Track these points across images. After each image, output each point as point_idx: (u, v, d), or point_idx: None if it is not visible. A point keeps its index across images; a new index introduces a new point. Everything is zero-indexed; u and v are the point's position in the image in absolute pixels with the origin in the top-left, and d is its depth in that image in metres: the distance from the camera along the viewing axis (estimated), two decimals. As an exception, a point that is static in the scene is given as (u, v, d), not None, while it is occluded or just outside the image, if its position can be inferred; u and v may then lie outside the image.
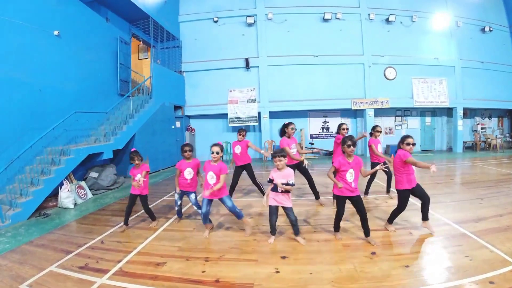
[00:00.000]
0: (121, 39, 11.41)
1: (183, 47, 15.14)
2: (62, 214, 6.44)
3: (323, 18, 14.76)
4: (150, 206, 5.46)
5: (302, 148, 6.59)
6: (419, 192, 4.41)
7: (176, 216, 5.64)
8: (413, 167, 4.34)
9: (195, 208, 5.33)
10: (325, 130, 15.87)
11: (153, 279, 3.42)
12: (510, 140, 17.31)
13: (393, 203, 6.12)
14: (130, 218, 5.39)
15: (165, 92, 12.63)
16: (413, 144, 4.35)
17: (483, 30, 16.17)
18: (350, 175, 4.12)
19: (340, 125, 6.44)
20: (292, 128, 6.06)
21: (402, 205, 4.46)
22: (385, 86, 15.19)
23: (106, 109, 9.86)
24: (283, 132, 6.17)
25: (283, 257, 3.88)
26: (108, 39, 10.84)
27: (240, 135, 6.64)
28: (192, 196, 5.24)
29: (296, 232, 4.37)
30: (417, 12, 15.25)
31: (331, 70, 14.90)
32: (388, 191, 6.71)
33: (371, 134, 6.57)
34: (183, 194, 5.26)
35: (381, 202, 6.40)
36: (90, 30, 9.79)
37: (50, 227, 5.48)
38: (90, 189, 8.03)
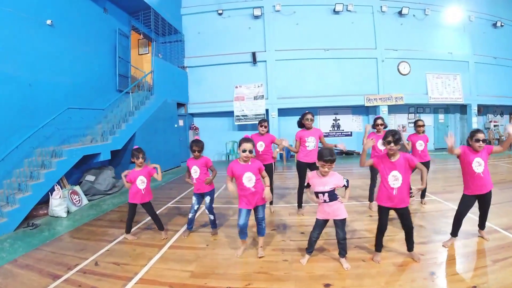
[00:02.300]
0: (120, 32, 10.62)
1: (186, 41, 14.31)
2: (53, 224, 5.66)
3: (334, 10, 13.94)
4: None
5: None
6: (483, 201, 3.76)
7: (185, 227, 4.81)
8: (474, 167, 3.59)
9: (207, 212, 4.59)
10: (336, 128, 15.08)
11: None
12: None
13: (429, 208, 5.58)
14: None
15: (167, 88, 11.84)
16: (483, 141, 3.54)
17: (494, 25, 15.71)
18: (393, 179, 3.29)
19: (375, 120, 5.60)
20: (308, 119, 5.25)
21: (459, 210, 3.81)
22: (399, 81, 14.45)
23: (104, 106, 9.04)
24: (301, 124, 5.40)
25: (327, 285, 3.09)
26: (106, 31, 10.04)
27: (262, 126, 5.49)
28: (207, 198, 4.52)
29: (343, 252, 3.46)
30: (430, 5, 14.57)
31: (342, 64, 14.12)
32: (422, 196, 5.96)
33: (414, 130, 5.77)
34: (201, 197, 4.54)
35: (418, 207, 5.73)
36: (87, 20, 9.00)
37: (37, 242, 4.70)
38: (85, 194, 7.25)
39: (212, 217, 4.64)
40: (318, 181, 3.38)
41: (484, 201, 3.76)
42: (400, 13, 14.38)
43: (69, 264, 3.81)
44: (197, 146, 4.41)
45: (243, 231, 3.77)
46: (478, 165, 3.59)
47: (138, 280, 3.33)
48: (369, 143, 3.54)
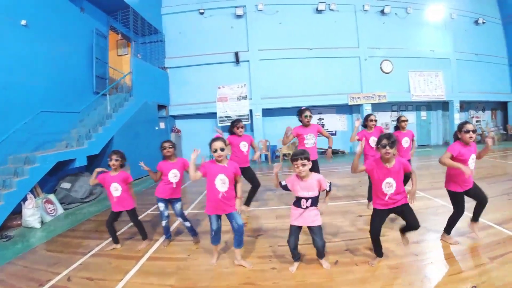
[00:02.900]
0: (97, 32, 10.23)
1: (167, 42, 13.97)
2: (26, 236, 5.32)
3: (317, 9, 13.96)
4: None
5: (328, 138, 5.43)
6: (473, 192, 3.65)
7: (163, 237, 4.53)
8: (470, 164, 3.48)
9: (181, 221, 4.29)
10: (320, 128, 14.93)
11: None
12: (504, 132, 17.09)
13: (418, 205, 5.37)
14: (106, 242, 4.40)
15: (147, 89, 11.47)
16: (474, 131, 3.40)
17: (476, 22, 16.07)
18: (387, 186, 3.11)
19: (367, 117, 5.43)
20: (306, 116, 5.08)
21: (456, 209, 3.70)
22: (382, 80, 14.60)
23: (80, 109, 8.68)
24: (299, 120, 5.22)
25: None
26: (83, 31, 9.63)
27: (239, 128, 5.34)
28: (178, 205, 4.23)
29: (321, 255, 3.37)
30: (412, 3, 14.79)
31: (326, 64, 14.11)
32: None
33: (396, 127, 5.51)
34: (167, 203, 4.24)
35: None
36: (63, 20, 8.64)
37: (11, 255, 4.39)
38: (61, 203, 6.88)
39: (188, 224, 4.34)
40: (302, 185, 3.20)
41: (475, 192, 3.65)
42: (382, 12, 14.54)
43: (41, 279, 3.52)
44: (169, 142, 4.20)
45: (217, 235, 3.57)
46: (472, 161, 3.50)
47: (112, 297, 3.08)
48: (359, 148, 3.28)
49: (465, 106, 16.70)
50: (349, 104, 14.20)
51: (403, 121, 5.42)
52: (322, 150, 13.79)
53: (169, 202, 4.26)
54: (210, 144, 3.42)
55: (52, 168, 6.76)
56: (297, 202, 3.26)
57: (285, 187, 3.31)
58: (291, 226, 3.31)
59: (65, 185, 7.32)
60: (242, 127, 5.38)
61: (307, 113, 5.12)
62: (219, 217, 3.53)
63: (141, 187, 8.93)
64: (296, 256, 3.41)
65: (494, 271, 3.04)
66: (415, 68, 14.89)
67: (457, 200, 3.66)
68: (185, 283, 3.28)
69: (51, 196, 6.68)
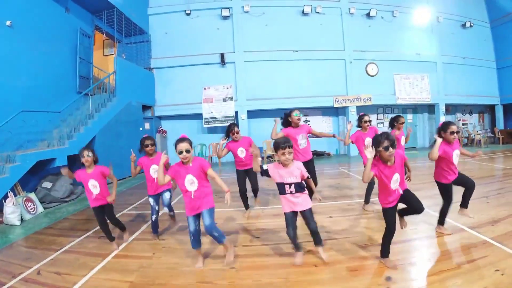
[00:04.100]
0: (82, 31, 10.28)
1: (153, 42, 13.98)
2: (6, 232, 5.47)
3: (303, 12, 14.10)
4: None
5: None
6: (459, 180, 3.89)
7: (134, 236, 4.56)
8: (454, 159, 3.73)
9: (167, 211, 4.41)
10: (306, 130, 15.04)
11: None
12: (491, 135, 17.26)
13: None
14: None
15: (131, 89, 11.48)
16: (457, 133, 3.63)
17: (463, 25, 16.20)
18: (395, 182, 3.06)
19: (361, 117, 5.32)
20: (297, 115, 5.01)
21: (445, 199, 3.94)
22: (367, 82, 14.73)
23: (62, 109, 8.70)
24: (286, 122, 5.13)
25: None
26: (67, 31, 9.72)
27: (234, 134, 5.09)
28: (166, 194, 4.36)
29: (319, 241, 3.41)
30: (398, 7, 14.95)
31: (312, 66, 14.23)
32: None
33: (393, 126, 5.45)
34: (157, 197, 4.34)
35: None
36: (47, 20, 8.74)
37: (-11, 250, 4.50)
38: (41, 202, 6.95)
39: (172, 213, 4.55)
40: (284, 172, 3.26)
41: (461, 180, 3.88)
42: (368, 15, 14.67)
43: (14, 272, 3.66)
44: (150, 139, 4.24)
45: (195, 239, 3.47)
46: (456, 156, 3.73)
47: (75, 290, 3.16)
48: (370, 155, 3.05)
49: (452, 109, 16.89)
50: (334, 106, 14.31)
51: (403, 123, 5.41)
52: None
53: (160, 196, 4.37)
54: (175, 145, 3.34)
55: (33, 167, 6.83)
56: (281, 189, 3.32)
57: (266, 172, 3.36)
58: (285, 214, 3.36)
59: (46, 184, 7.35)
60: (237, 132, 5.16)
61: (296, 111, 5.05)
62: (196, 218, 3.46)
63: (122, 188, 8.97)
64: (297, 246, 3.44)
65: (461, 277, 2.93)
66: (401, 71, 15.04)
67: (445, 191, 3.89)
68: (144, 280, 3.35)
69: (32, 195, 6.76)
